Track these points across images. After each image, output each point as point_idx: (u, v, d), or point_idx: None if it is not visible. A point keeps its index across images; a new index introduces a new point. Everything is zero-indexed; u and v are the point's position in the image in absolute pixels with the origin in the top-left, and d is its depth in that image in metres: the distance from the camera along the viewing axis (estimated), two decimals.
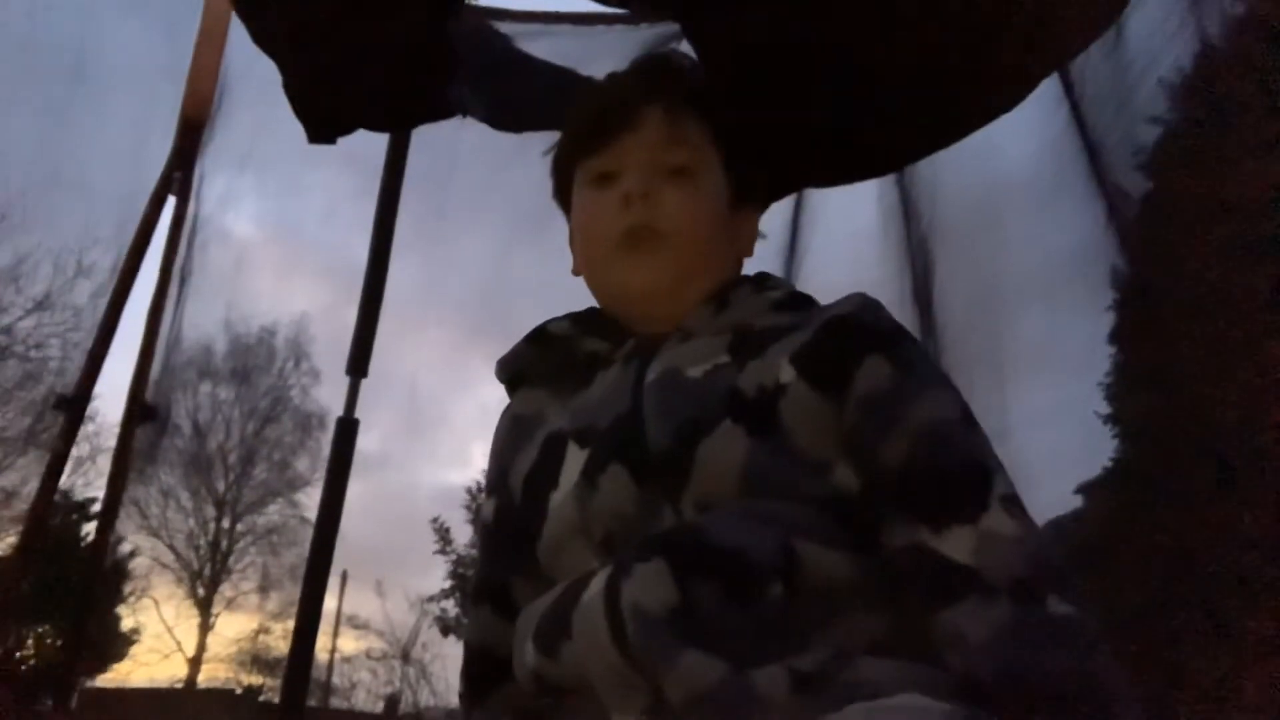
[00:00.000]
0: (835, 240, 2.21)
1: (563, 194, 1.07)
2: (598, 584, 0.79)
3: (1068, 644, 0.72)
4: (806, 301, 0.97)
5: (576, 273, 1.04)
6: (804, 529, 0.79)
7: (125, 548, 16.47)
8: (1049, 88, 1.79)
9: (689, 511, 0.83)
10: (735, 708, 0.72)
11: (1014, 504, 0.78)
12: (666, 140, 0.98)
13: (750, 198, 1.05)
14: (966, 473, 0.80)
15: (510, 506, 0.99)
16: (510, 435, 1.02)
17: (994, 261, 2.12)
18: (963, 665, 0.73)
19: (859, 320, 0.89)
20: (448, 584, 15.48)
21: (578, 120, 1.05)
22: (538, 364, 1.03)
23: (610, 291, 1.00)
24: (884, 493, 0.81)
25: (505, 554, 1.00)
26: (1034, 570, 0.75)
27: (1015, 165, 1.99)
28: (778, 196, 1.77)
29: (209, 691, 18.41)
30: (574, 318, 1.02)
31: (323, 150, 1.94)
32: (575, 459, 0.90)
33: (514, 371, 1.04)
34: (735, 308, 0.95)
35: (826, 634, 0.76)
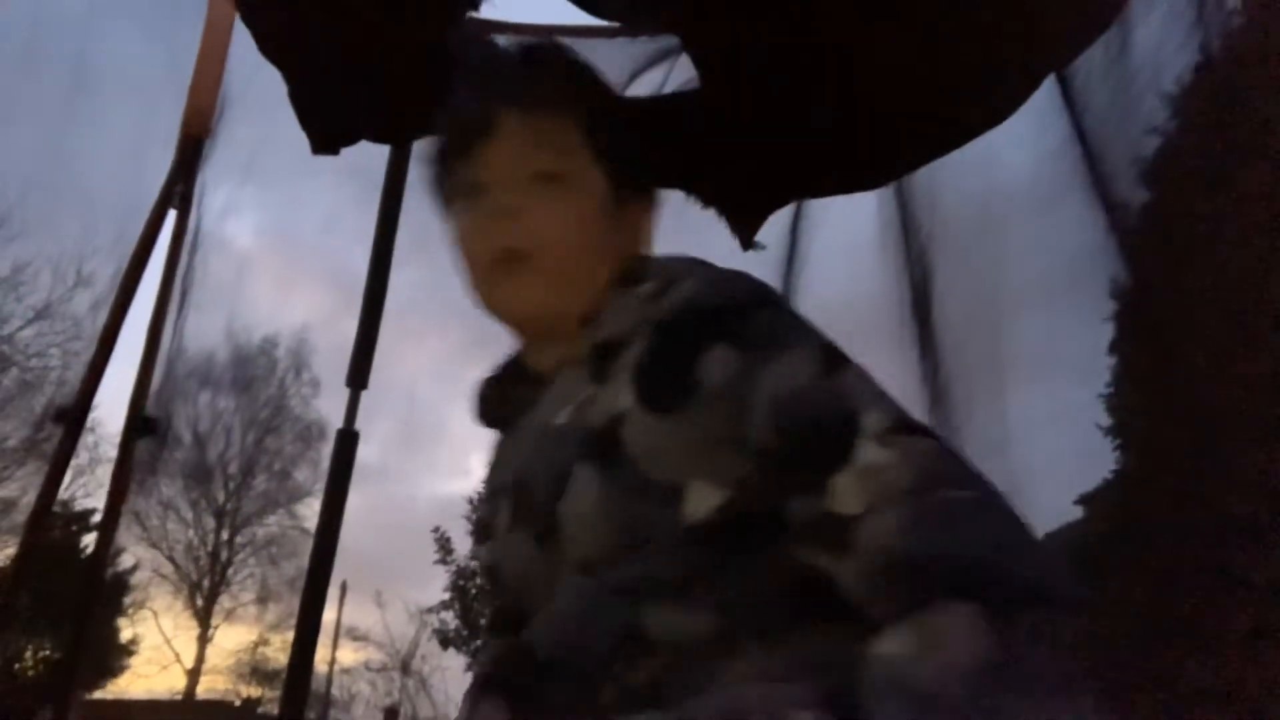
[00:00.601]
0: (834, 250, 2.21)
1: (442, 208, 1.00)
2: (462, 713, 0.85)
3: (977, 519, 0.68)
4: (678, 279, 0.88)
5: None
6: (657, 589, 0.76)
7: (125, 560, 16.48)
8: (1049, 98, 1.79)
9: (574, 571, 0.81)
10: None
11: (888, 432, 0.72)
12: (527, 145, 0.91)
13: (634, 190, 0.97)
14: (828, 425, 0.74)
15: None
16: (487, 481, 1.02)
17: (993, 271, 2.12)
18: (886, 578, 0.68)
19: (697, 309, 0.83)
20: (447, 595, 15.42)
21: (441, 131, 0.98)
22: (490, 418, 1.01)
23: (492, 315, 0.95)
24: (770, 479, 0.76)
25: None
26: (921, 478, 0.69)
27: (1015, 175, 1.99)
28: (777, 206, 1.78)
29: (207, 703, 18.39)
30: (495, 375, 1.00)
31: (323, 161, 1.95)
32: (504, 514, 0.90)
33: (485, 423, 1.02)
34: (604, 321, 0.88)
35: (687, 693, 0.72)
